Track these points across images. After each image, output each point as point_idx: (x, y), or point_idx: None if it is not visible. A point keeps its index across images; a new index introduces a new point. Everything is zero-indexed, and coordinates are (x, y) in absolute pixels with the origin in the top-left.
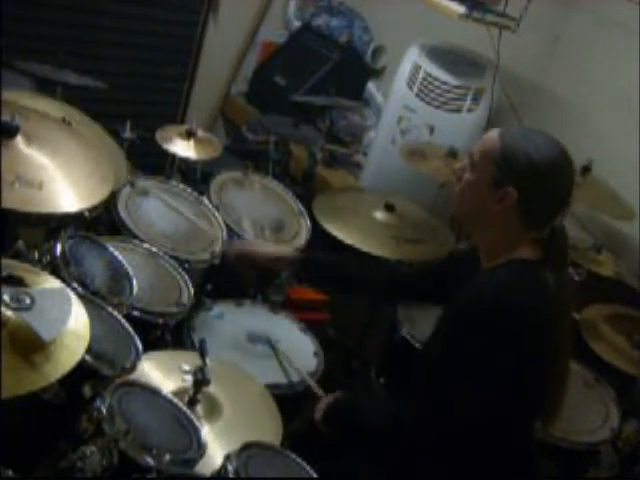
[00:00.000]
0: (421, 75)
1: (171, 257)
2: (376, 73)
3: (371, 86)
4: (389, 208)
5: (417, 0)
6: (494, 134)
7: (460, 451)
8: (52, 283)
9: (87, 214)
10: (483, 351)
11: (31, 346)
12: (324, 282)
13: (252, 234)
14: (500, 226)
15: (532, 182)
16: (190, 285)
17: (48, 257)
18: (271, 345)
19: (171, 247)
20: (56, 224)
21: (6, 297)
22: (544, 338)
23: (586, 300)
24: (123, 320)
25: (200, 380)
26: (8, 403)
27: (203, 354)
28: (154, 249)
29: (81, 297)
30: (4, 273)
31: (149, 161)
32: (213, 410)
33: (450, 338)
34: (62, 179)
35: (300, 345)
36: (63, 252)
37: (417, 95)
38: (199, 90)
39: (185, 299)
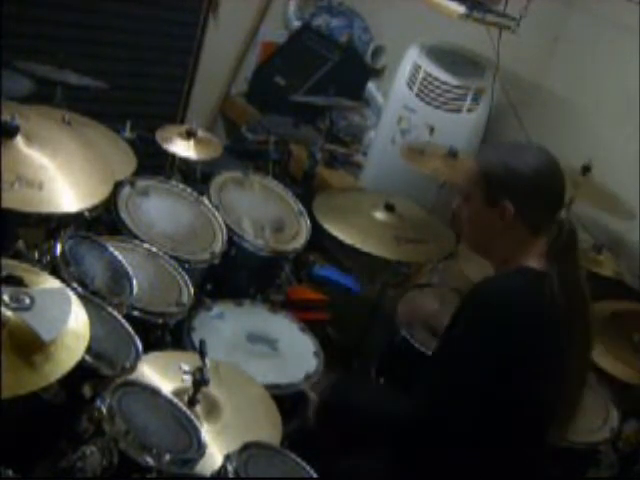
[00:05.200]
0: (421, 75)
1: (171, 257)
2: (376, 73)
3: (371, 86)
4: (389, 208)
5: (417, 0)
6: (472, 162)
7: (461, 451)
8: (52, 283)
9: (87, 214)
10: (475, 350)
11: (31, 346)
12: None
13: (252, 234)
14: (508, 239)
15: (519, 186)
16: (190, 285)
17: (48, 257)
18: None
19: (171, 247)
20: (56, 224)
21: (6, 297)
22: (545, 343)
23: None
24: (123, 320)
25: (199, 380)
26: (8, 403)
27: (203, 354)
28: (154, 249)
29: (81, 297)
30: (4, 273)
31: (149, 161)
32: (213, 410)
33: (450, 336)
34: (62, 179)
35: (300, 345)
36: (63, 252)
37: (417, 95)
38: (199, 90)
39: (185, 299)
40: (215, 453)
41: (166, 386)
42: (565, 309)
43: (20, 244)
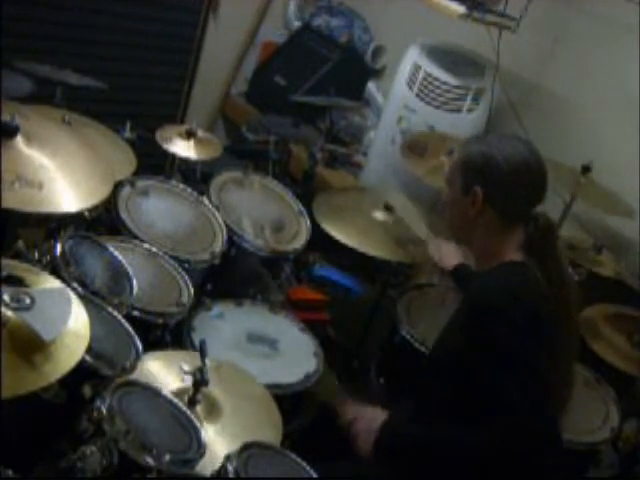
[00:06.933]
0: (421, 75)
1: (171, 257)
2: (376, 73)
3: (371, 86)
4: (389, 208)
5: (417, 0)
6: (458, 150)
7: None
8: (52, 283)
9: (87, 214)
10: (511, 348)
11: (31, 346)
12: None
13: (252, 234)
14: (483, 229)
15: (491, 173)
16: (190, 285)
17: (48, 257)
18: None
19: (171, 247)
20: (56, 224)
21: (6, 297)
22: (545, 334)
23: (586, 300)
24: (123, 320)
25: (199, 380)
26: (8, 403)
27: (203, 355)
28: (154, 249)
29: (81, 297)
30: (4, 273)
31: (149, 161)
32: (213, 410)
33: (476, 348)
34: (62, 179)
35: (300, 345)
36: (63, 252)
37: (417, 95)
38: (199, 90)
39: (185, 299)
40: (215, 453)
41: (166, 386)
42: (548, 299)
43: (20, 244)
